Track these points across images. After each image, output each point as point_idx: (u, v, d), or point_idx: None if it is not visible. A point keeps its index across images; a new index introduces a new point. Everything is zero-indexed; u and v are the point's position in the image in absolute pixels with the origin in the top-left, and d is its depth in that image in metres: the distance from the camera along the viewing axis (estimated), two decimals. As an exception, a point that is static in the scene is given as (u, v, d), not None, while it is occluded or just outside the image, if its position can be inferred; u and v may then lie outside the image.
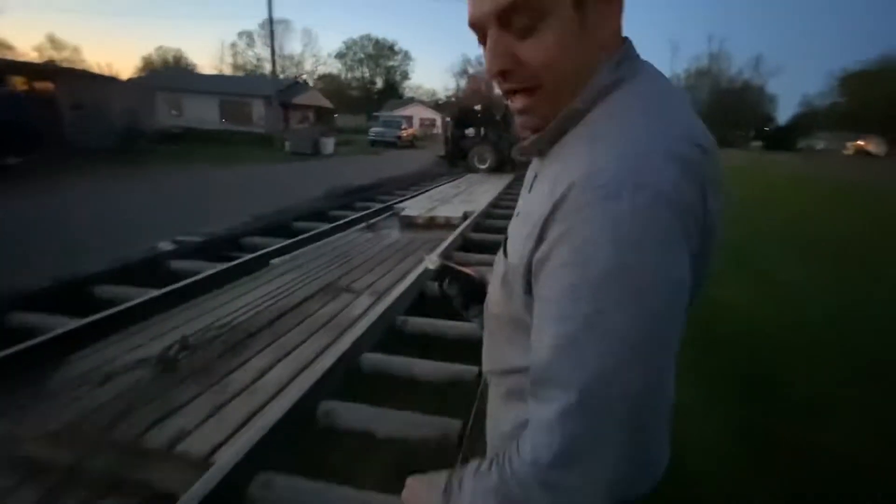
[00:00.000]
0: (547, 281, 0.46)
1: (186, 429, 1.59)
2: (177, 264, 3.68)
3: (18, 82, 12.14)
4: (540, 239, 0.47)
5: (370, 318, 2.39)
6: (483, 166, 12.04)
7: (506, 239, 0.61)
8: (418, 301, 2.92)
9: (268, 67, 26.47)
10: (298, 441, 1.65)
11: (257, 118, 24.71)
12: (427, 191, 7.99)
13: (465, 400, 1.81)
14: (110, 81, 16.01)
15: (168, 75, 31.51)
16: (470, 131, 13.05)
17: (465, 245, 4.44)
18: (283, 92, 24.77)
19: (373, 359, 2.15)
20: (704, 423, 2.26)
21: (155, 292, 2.73)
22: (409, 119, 38.43)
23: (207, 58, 73.74)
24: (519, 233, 0.54)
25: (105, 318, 2.36)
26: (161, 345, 2.12)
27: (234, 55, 57.33)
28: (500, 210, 6.18)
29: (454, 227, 4.82)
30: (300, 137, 18.99)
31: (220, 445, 1.51)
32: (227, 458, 1.35)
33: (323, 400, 1.77)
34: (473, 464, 0.54)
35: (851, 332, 3.55)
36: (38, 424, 1.59)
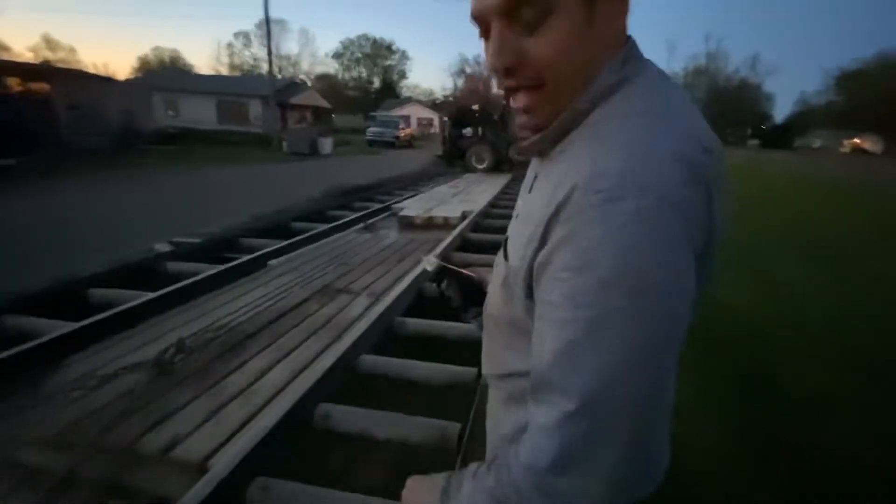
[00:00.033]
0: (549, 284, 0.46)
1: (182, 433, 1.57)
2: (174, 266, 3.66)
3: (14, 83, 12.11)
4: (542, 242, 0.46)
5: (368, 319, 2.37)
6: (481, 166, 12.01)
7: (506, 241, 0.60)
8: (417, 302, 2.90)
9: (265, 67, 26.55)
10: (296, 444, 1.64)
11: (255, 118, 24.69)
12: (425, 191, 7.98)
13: (464, 402, 1.80)
14: (107, 82, 15.95)
15: (165, 75, 31.40)
16: (468, 131, 13.00)
17: (464, 245, 4.41)
18: (281, 92, 24.74)
19: (371, 360, 2.14)
20: (704, 423, 2.26)
21: (151, 294, 2.71)
22: (407, 119, 38.51)
23: (204, 58, 74.35)
24: (520, 235, 0.53)
25: (101, 321, 2.34)
26: (158, 347, 2.10)
27: (231, 55, 57.45)
28: (499, 210, 6.16)
29: (453, 227, 4.80)
30: (298, 137, 18.97)
31: (216, 449, 1.50)
32: (223, 462, 1.33)
33: (321, 402, 1.75)
34: (472, 466, 0.54)
35: (851, 332, 3.55)
36: (33, 428, 1.57)
